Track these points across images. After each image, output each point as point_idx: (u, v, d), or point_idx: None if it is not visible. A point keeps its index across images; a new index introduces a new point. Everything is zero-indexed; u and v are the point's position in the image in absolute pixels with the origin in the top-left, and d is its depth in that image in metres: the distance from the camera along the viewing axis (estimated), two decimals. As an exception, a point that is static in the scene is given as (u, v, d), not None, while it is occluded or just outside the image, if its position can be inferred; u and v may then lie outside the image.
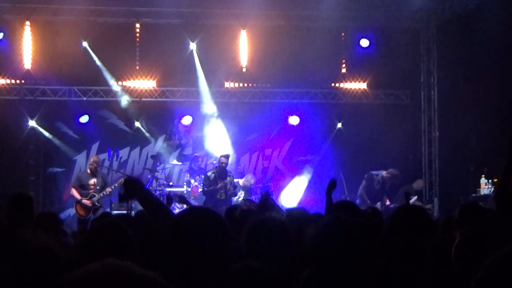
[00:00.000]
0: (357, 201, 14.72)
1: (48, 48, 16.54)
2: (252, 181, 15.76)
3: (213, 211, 3.41)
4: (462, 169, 15.78)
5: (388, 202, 14.94)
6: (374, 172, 15.17)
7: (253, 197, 15.12)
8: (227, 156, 15.04)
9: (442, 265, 3.78)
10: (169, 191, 14.80)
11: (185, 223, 3.25)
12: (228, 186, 14.79)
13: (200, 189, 15.16)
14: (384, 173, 15.13)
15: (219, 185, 14.64)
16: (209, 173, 14.94)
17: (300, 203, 16.01)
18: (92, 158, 14.95)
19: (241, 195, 15.38)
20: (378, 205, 14.51)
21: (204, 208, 3.81)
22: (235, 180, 15.43)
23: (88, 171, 14.77)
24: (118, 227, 3.76)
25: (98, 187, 14.47)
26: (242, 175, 16.58)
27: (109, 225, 3.84)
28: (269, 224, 4.00)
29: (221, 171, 14.86)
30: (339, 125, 18.10)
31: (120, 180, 14.40)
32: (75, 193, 14.53)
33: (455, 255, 3.58)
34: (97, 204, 14.36)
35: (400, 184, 15.64)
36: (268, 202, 7.18)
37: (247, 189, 15.58)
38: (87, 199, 14.28)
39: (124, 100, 17.37)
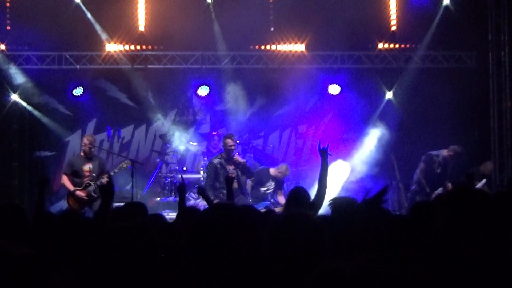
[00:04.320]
0: (413, 188, 14.27)
1: (33, 5, 15.68)
2: (287, 173, 14.85)
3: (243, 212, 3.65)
4: (542, 147, 15.62)
5: (450, 188, 13.86)
6: (433, 153, 14.43)
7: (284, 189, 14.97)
8: (232, 137, 13.99)
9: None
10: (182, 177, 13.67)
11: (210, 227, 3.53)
12: (240, 172, 13.83)
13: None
14: (445, 152, 14.37)
15: (230, 173, 13.37)
16: (215, 160, 13.87)
17: (343, 191, 15.23)
18: (85, 139, 14.19)
19: (270, 186, 14.61)
20: (439, 191, 13.73)
21: (232, 208, 3.80)
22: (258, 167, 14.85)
23: (82, 154, 14.09)
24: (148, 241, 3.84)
25: (94, 174, 13.73)
26: (272, 158, 15.97)
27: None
28: (296, 224, 3.94)
29: (228, 156, 13.82)
30: (389, 95, 17.18)
31: (121, 164, 14.02)
32: (66, 182, 13.78)
33: None
34: (93, 195, 13.58)
35: (464, 167, 14.63)
36: None
37: (279, 181, 14.72)
38: (81, 190, 13.57)
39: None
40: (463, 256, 3.63)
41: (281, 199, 14.22)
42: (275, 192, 14.46)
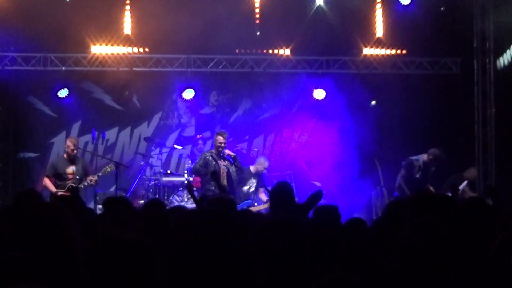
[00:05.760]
0: (395, 194, 14.25)
1: (19, 7, 15.43)
2: (266, 164, 14.90)
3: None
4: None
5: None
6: (413, 158, 14.40)
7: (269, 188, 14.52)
8: (223, 134, 14.01)
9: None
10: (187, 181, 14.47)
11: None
12: (231, 169, 13.79)
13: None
14: (425, 156, 14.37)
15: (221, 168, 13.55)
16: (206, 153, 13.99)
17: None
18: (68, 141, 14.10)
19: (252, 184, 14.69)
20: None
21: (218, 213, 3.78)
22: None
23: (65, 156, 13.98)
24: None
25: (77, 176, 13.66)
26: (255, 162, 15.76)
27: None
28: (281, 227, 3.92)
29: (218, 153, 13.86)
30: (374, 100, 17.32)
31: (104, 168, 13.93)
32: (48, 183, 13.74)
33: None
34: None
35: (448, 172, 15.09)
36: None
37: (260, 176, 14.78)
38: (64, 191, 13.34)
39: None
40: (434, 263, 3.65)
41: (263, 196, 14.34)
42: (256, 190, 14.59)
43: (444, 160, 14.28)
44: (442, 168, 14.85)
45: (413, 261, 3.68)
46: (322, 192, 8.22)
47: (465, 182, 14.41)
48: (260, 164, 14.70)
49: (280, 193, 7.84)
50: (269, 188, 15.21)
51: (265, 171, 14.92)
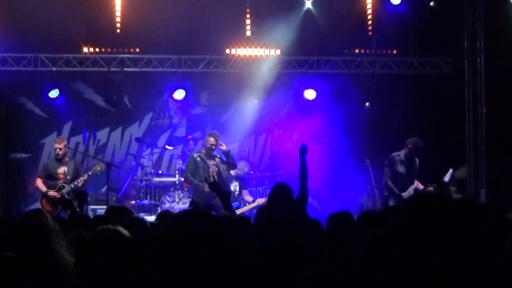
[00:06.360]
0: (384, 194, 14.07)
1: (9, 6, 15.46)
2: (246, 169, 15.17)
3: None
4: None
5: (420, 186, 13.73)
6: (394, 154, 14.06)
7: (249, 189, 15.30)
8: (215, 136, 13.97)
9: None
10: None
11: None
12: (221, 167, 13.79)
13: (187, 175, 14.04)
14: (404, 149, 14.04)
15: (211, 168, 13.53)
16: (195, 154, 14.02)
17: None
18: (57, 142, 14.12)
19: (236, 187, 14.85)
20: (409, 192, 13.47)
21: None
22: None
23: (55, 157, 14.01)
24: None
25: (68, 177, 13.65)
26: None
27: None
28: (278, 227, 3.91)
29: (208, 153, 13.91)
30: (365, 100, 17.17)
31: (94, 167, 13.89)
32: (40, 184, 13.80)
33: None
34: (67, 197, 13.42)
35: (439, 171, 14.14)
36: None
37: (241, 179, 14.98)
38: (54, 191, 13.49)
39: None
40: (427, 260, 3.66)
41: (248, 197, 14.52)
42: (240, 192, 14.67)
43: (422, 146, 13.99)
44: (433, 167, 14.65)
45: (411, 260, 3.70)
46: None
47: (450, 171, 14.24)
48: (240, 169, 14.77)
49: (279, 194, 7.96)
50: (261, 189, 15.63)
51: (244, 176, 15.03)
